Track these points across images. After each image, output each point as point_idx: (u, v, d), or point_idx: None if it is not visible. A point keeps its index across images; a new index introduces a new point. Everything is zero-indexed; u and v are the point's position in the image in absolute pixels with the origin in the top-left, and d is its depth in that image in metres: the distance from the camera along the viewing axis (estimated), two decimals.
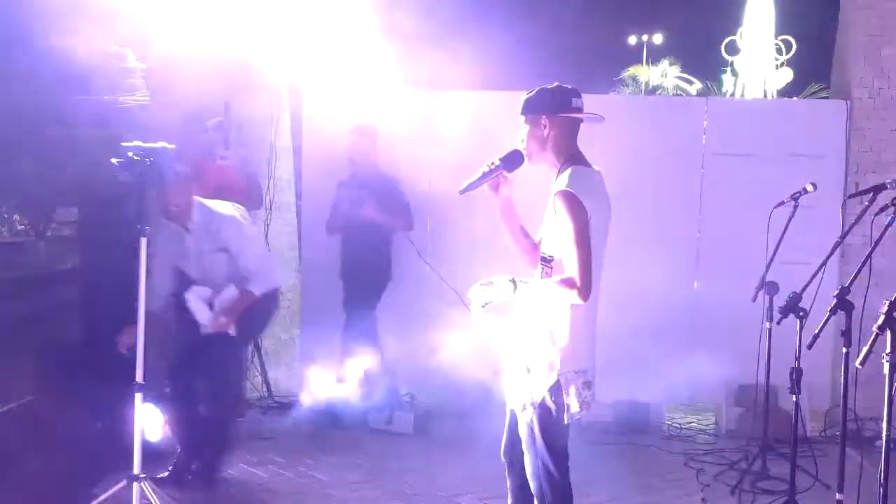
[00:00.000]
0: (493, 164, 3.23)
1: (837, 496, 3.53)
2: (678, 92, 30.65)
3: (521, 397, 3.16)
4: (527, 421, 3.14)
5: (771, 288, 4.74)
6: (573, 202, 2.98)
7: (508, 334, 3.32)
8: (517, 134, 3.26)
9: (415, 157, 6.51)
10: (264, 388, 6.66)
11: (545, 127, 3.15)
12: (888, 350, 2.96)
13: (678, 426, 6.20)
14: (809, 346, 3.33)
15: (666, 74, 32.64)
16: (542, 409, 3.08)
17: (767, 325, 4.76)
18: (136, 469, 3.71)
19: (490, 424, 6.11)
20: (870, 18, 6.21)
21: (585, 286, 2.95)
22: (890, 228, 3.33)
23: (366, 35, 6.45)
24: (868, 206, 3.64)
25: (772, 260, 4.70)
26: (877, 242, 3.31)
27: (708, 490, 4.83)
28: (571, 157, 3.16)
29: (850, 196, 4.63)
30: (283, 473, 4.92)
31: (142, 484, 3.72)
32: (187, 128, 5.78)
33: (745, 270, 5.40)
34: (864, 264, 3.26)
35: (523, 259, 3.37)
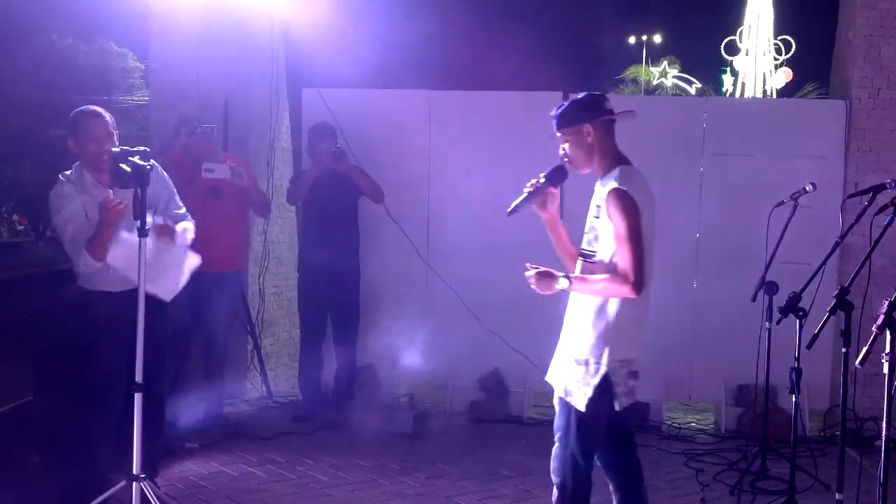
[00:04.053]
0: (537, 182, 3.33)
1: (837, 496, 3.52)
2: (677, 92, 30.67)
3: (565, 386, 3.24)
4: (566, 410, 3.23)
5: (770, 288, 4.74)
6: (626, 199, 3.08)
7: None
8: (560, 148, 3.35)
9: (415, 157, 6.52)
10: (264, 388, 6.66)
11: (589, 134, 3.25)
12: (888, 350, 2.96)
13: (678, 426, 6.21)
14: (809, 346, 3.34)
15: (666, 74, 32.66)
16: (587, 400, 3.16)
17: (767, 325, 4.76)
18: (136, 469, 3.71)
19: (489, 424, 6.13)
20: (869, 18, 6.20)
21: (639, 281, 3.07)
22: (889, 228, 3.33)
23: (366, 35, 6.46)
24: (867, 207, 3.63)
25: (771, 260, 4.70)
26: (876, 242, 3.31)
27: (707, 490, 4.83)
28: (617, 157, 3.28)
29: (850, 196, 4.61)
30: (283, 473, 4.92)
31: (142, 484, 3.71)
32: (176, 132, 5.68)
33: (744, 270, 5.40)
34: (863, 264, 3.26)
35: (572, 267, 3.45)
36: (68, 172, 4.08)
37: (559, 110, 3.29)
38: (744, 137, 6.29)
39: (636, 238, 3.07)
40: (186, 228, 4.20)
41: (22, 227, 30.70)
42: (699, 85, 31.02)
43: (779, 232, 4.68)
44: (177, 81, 6.55)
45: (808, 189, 4.70)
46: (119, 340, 3.94)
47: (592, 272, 3.22)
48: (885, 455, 3.11)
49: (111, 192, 3.87)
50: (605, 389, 3.16)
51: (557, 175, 3.31)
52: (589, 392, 3.16)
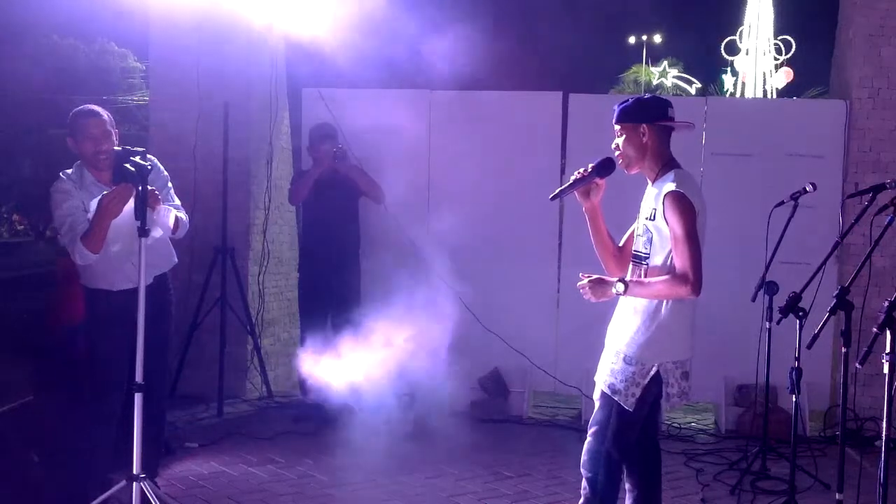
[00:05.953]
0: (584, 171, 3.36)
1: (837, 496, 3.53)
2: (678, 92, 30.69)
3: (610, 382, 3.27)
4: (608, 407, 3.27)
5: (771, 288, 4.74)
6: (684, 202, 3.13)
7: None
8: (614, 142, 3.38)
9: (415, 157, 6.52)
10: (264, 388, 6.66)
11: (644, 134, 3.28)
12: (888, 350, 2.96)
13: (678, 426, 6.20)
14: (809, 346, 3.34)
15: (666, 74, 32.69)
16: (635, 399, 3.21)
17: (767, 325, 4.76)
18: (136, 469, 3.71)
19: (489, 424, 6.12)
20: (869, 18, 6.20)
21: (698, 282, 3.12)
22: (889, 228, 3.33)
23: (366, 34, 6.45)
24: (867, 206, 3.64)
25: (771, 260, 4.70)
26: (876, 242, 3.31)
27: (707, 490, 4.83)
28: (669, 161, 3.32)
29: (850, 196, 4.62)
30: (283, 473, 4.92)
31: (142, 484, 3.71)
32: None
33: (745, 270, 5.40)
34: (863, 264, 3.26)
35: (609, 262, 3.51)
36: (69, 171, 4.10)
37: (623, 105, 3.33)
38: (744, 137, 6.29)
39: (694, 239, 3.12)
40: (172, 209, 4.14)
41: (22, 227, 30.72)
42: (699, 85, 31.05)
43: (779, 232, 4.68)
44: (177, 81, 6.56)
45: (808, 189, 4.70)
46: (119, 339, 3.94)
47: (645, 274, 3.26)
48: (885, 455, 3.11)
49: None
50: (654, 390, 3.22)
51: (605, 166, 3.34)
52: (637, 392, 3.21)
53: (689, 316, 3.30)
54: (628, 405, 3.22)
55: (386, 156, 6.43)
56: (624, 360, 3.24)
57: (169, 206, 4.14)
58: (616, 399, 3.24)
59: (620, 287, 3.21)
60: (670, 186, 3.16)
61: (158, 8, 6.56)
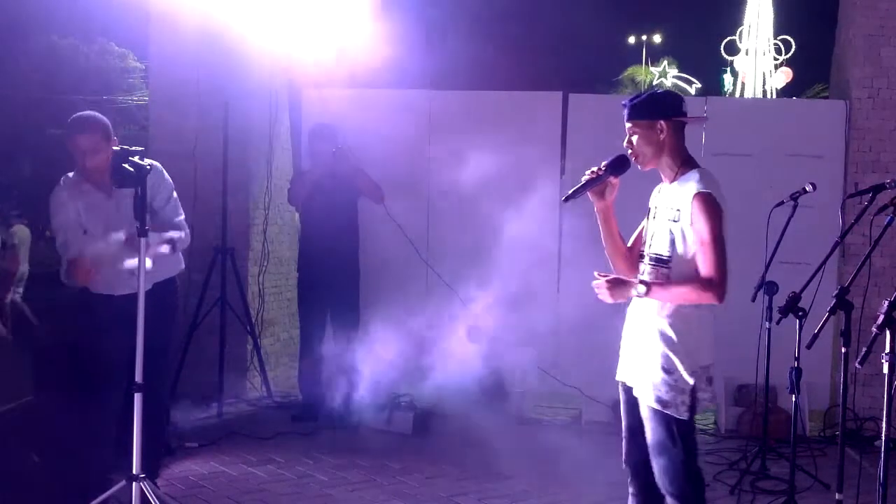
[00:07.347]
0: (598, 170, 3.24)
1: (837, 496, 3.53)
2: (677, 92, 30.70)
3: (657, 396, 3.11)
4: (664, 423, 3.11)
5: (770, 288, 4.74)
6: (713, 204, 3.04)
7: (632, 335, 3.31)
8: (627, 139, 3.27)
9: (415, 157, 6.52)
10: (264, 388, 6.66)
11: (662, 131, 3.17)
12: (888, 350, 2.96)
13: None
14: (809, 346, 3.33)
15: (665, 74, 32.70)
16: (687, 407, 3.09)
17: (767, 325, 4.75)
18: (136, 469, 3.71)
19: (489, 424, 6.12)
20: (869, 18, 6.20)
21: (723, 287, 3.02)
22: (889, 228, 3.33)
23: (366, 34, 6.46)
24: (867, 206, 3.64)
25: (771, 260, 4.70)
26: (876, 242, 3.31)
27: (707, 490, 4.81)
28: (688, 159, 3.22)
29: (850, 196, 4.63)
30: (283, 473, 4.92)
31: (141, 484, 3.71)
32: None
33: (744, 270, 5.39)
34: (863, 264, 3.26)
35: (618, 262, 3.39)
36: (70, 174, 4.11)
37: (636, 100, 3.20)
38: (744, 137, 6.29)
39: (721, 243, 3.02)
40: (174, 238, 4.14)
41: None
42: (699, 85, 31.06)
43: (779, 232, 4.68)
44: (177, 81, 6.56)
45: (808, 189, 4.70)
46: (120, 340, 3.94)
47: (667, 277, 3.13)
48: (885, 455, 3.11)
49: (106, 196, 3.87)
50: (695, 395, 3.11)
51: (619, 165, 3.22)
52: (687, 399, 3.08)
53: (711, 321, 3.19)
54: (681, 414, 3.08)
55: (386, 156, 6.43)
56: (663, 369, 3.10)
57: (173, 220, 4.15)
58: (668, 412, 3.09)
59: (642, 289, 3.09)
60: (698, 187, 3.05)
61: (158, 8, 6.56)
